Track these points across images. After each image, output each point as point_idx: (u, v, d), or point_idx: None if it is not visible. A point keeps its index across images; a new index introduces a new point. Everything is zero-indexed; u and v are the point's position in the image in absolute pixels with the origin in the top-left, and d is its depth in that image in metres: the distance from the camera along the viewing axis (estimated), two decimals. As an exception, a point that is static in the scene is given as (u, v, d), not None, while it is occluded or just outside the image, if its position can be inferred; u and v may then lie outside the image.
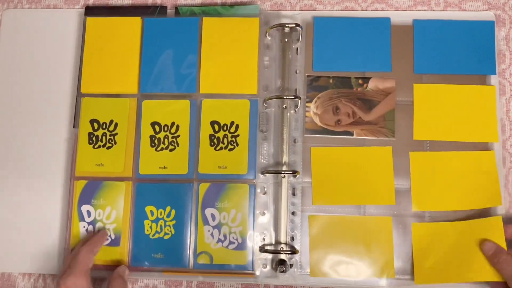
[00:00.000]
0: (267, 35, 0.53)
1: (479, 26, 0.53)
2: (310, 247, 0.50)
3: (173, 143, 0.52)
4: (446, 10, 0.55)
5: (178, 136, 0.52)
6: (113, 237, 0.51)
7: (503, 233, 0.48)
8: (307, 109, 0.52)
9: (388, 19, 0.54)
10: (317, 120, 0.52)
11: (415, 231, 0.50)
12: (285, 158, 0.51)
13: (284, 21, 0.54)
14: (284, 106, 0.52)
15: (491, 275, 0.47)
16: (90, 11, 0.56)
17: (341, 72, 0.53)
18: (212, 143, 0.52)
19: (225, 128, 0.52)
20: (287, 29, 0.53)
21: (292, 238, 0.50)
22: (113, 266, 0.50)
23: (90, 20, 0.55)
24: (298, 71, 0.53)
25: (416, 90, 0.52)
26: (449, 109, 0.52)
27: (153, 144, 0.52)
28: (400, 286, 0.49)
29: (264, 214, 0.51)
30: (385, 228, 0.50)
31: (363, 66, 0.53)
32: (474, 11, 0.55)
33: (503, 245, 0.47)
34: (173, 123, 0.53)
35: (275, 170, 0.51)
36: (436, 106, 0.52)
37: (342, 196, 0.51)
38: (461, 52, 0.53)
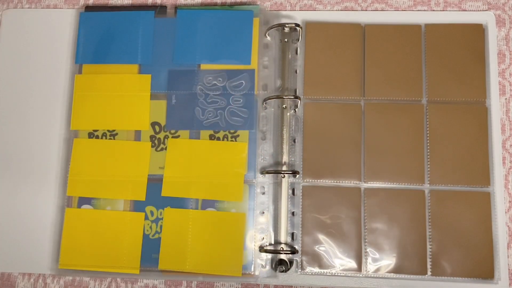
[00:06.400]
0: (266, 35, 0.54)
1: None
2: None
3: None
4: (446, 10, 0.55)
5: (178, 136, 0.53)
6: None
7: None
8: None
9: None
10: None
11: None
12: (285, 158, 0.51)
13: (283, 21, 0.55)
14: (284, 106, 0.52)
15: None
16: (90, 10, 0.56)
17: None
18: (211, 143, 0.52)
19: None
20: (286, 29, 0.53)
21: (292, 238, 0.50)
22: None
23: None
24: (297, 71, 0.54)
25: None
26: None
27: (153, 144, 0.52)
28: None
29: (263, 214, 0.51)
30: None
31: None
32: (474, 11, 0.55)
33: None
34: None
35: (275, 170, 0.51)
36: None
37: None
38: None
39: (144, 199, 0.51)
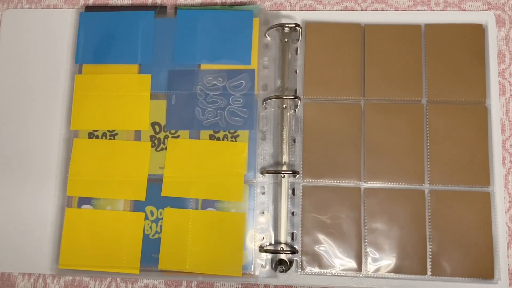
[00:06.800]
0: (266, 35, 0.54)
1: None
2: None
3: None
4: (446, 10, 0.55)
5: (178, 136, 0.53)
6: (112, 237, 0.51)
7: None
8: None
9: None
10: None
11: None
12: (285, 158, 0.51)
13: (283, 21, 0.55)
14: (283, 106, 0.52)
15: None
16: (90, 10, 0.56)
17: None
18: (211, 143, 0.52)
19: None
20: (286, 29, 0.53)
21: (292, 238, 0.50)
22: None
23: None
24: (297, 71, 0.54)
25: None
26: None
27: (153, 144, 0.52)
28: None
29: (263, 214, 0.51)
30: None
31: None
32: (474, 11, 0.55)
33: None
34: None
35: (275, 170, 0.51)
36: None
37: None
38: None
39: (144, 199, 0.51)
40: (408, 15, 0.55)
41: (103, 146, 0.52)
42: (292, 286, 0.51)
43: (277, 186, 0.51)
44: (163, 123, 0.53)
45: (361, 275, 0.50)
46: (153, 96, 0.53)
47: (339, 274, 0.50)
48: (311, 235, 0.50)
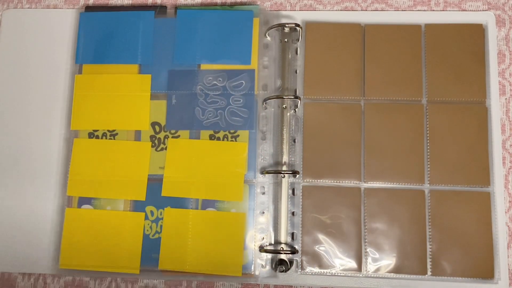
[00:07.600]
0: (266, 35, 0.54)
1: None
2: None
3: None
4: (446, 10, 0.55)
5: (178, 136, 0.53)
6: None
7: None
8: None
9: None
10: None
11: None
12: (285, 158, 0.51)
13: (283, 21, 0.55)
14: (284, 106, 0.52)
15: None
16: (90, 10, 0.56)
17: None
18: (211, 143, 0.52)
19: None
20: (286, 29, 0.53)
21: (292, 238, 0.50)
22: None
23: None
24: (297, 71, 0.54)
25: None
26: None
27: (153, 144, 0.52)
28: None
29: (263, 214, 0.51)
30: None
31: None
32: (474, 11, 0.55)
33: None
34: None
35: (275, 170, 0.51)
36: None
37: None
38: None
39: (144, 199, 0.51)
40: (408, 15, 0.55)
41: (103, 146, 0.52)
42: (292, 286, 0.51)
43: (277, 186, 0.51)
44: (163, 123, 0.53)
45: (361, 275, 0.50)
46: (153, 96, 0.53)
47: (339, 274, 0.50)
48: (311, 235, 0.50)
